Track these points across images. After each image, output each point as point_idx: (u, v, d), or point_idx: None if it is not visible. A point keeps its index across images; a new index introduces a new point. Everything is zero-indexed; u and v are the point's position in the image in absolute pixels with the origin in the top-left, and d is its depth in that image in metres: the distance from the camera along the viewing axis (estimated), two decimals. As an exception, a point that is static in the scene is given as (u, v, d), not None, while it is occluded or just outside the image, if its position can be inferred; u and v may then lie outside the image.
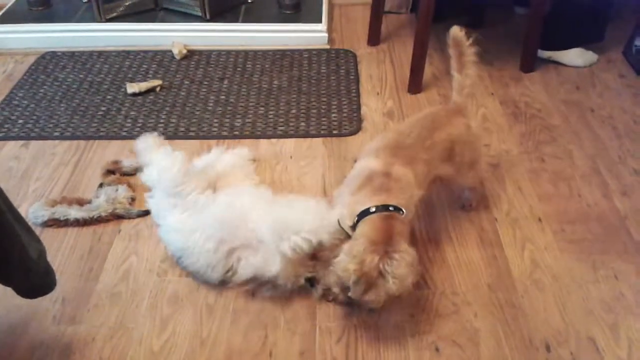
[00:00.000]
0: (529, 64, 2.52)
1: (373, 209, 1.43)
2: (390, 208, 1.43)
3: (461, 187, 1.84)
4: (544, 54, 2.56)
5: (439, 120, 1.66)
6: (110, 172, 1.98)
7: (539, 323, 1.54)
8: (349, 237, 1.46)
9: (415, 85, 2.41)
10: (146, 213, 1.83)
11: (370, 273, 1.34)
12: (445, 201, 1.90)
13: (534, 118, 2.27)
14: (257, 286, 1.60)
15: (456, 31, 1.64)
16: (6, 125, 2.25)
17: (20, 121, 2.27)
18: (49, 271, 1.33)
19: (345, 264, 1.37)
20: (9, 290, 1.29)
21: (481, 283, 1.64)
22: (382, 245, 1.37)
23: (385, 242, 1.37)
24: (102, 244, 1.77)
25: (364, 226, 1.43)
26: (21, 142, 2.17)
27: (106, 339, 1.51)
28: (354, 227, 1.46)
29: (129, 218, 1.84)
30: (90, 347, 1.49)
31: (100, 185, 1.92)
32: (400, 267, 1.35)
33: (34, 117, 2.29)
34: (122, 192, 1.88)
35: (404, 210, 1.45)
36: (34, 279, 1.29)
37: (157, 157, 1.79)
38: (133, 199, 1.91)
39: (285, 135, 2.20)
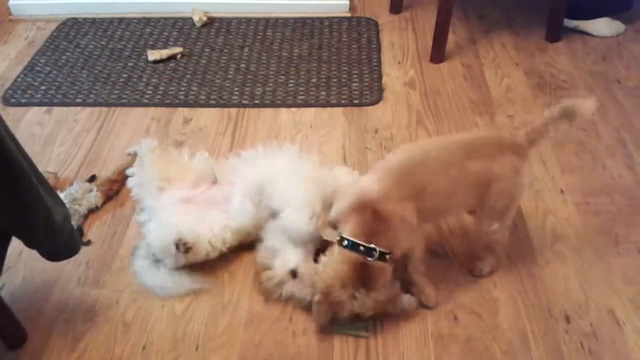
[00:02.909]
0: (555, 33, 2.46)
1: (345, 243, 1.35)
2: (361, 248, 1.34)
3: (478, 240, 1.59)
4: (570, 23, 2.50)
5: (484, 148, 1.43)
6: (113, 181, 1.84)
7: (559, 294, 1.53)
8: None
9: (438, 54, 2.37)
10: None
11: (334, 302, 1.38)
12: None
13: (559, 89, 2.23)
14: None
15: (589, 107, 1.43)
16: (29, 91, 2.26)
17: (43, 87, 2.28)
18: (74, 235, 1.35)
19: (315, 282, 1.42)
20: (34, 253, 1.31)
21: (501, 253, 1.64)
22: (349, 289, 1.36)
23: (352, 285, 1.36)
24: (125, 209, 1.79)
25: (337, 259, 1.37)
26: (44, 108, 2.19)
27: (129, 302, 1.54)
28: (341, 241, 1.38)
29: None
30: (113, 309, 1.52)
31: (92, 178, 1.85)
32: (363, 307, 1.39)
33: (57, 84, 2.30)
34: (91, 197, 1.77)
35: (385, 254, 1.35)
36: (59, 242, 1.31)
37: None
38: (97, 208, 1.78)
39: (305, 104, 2.19)
